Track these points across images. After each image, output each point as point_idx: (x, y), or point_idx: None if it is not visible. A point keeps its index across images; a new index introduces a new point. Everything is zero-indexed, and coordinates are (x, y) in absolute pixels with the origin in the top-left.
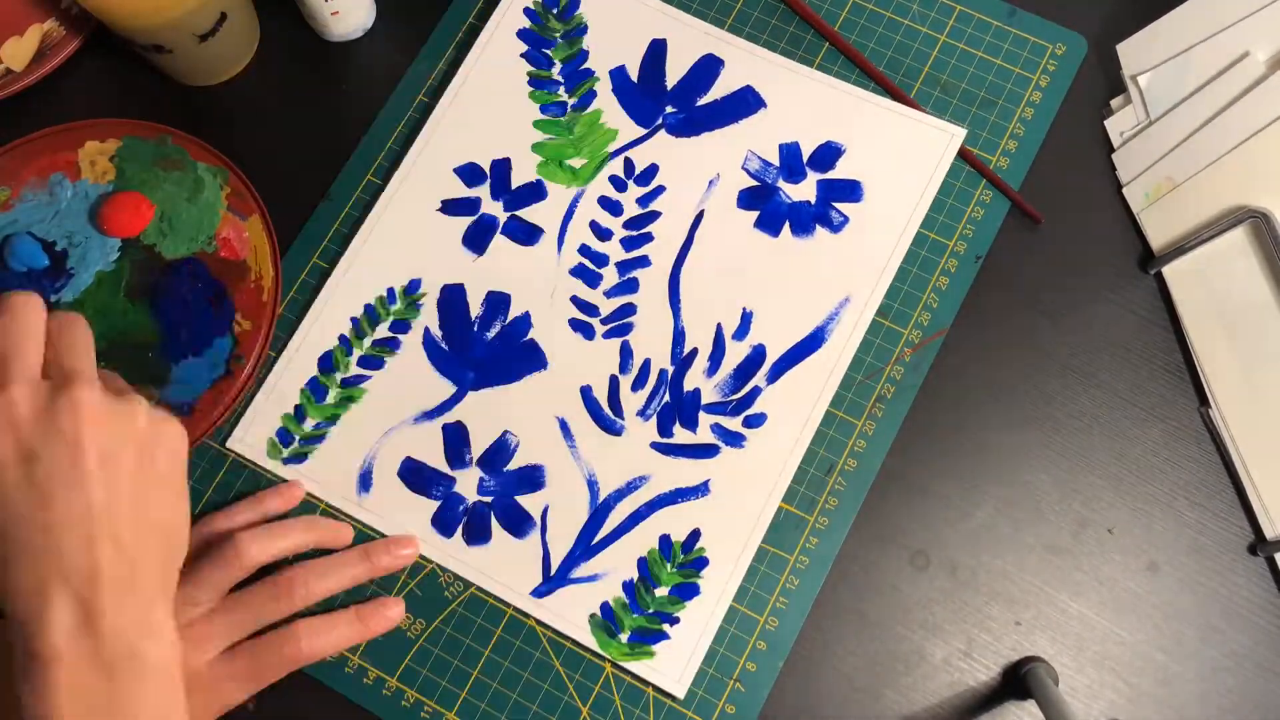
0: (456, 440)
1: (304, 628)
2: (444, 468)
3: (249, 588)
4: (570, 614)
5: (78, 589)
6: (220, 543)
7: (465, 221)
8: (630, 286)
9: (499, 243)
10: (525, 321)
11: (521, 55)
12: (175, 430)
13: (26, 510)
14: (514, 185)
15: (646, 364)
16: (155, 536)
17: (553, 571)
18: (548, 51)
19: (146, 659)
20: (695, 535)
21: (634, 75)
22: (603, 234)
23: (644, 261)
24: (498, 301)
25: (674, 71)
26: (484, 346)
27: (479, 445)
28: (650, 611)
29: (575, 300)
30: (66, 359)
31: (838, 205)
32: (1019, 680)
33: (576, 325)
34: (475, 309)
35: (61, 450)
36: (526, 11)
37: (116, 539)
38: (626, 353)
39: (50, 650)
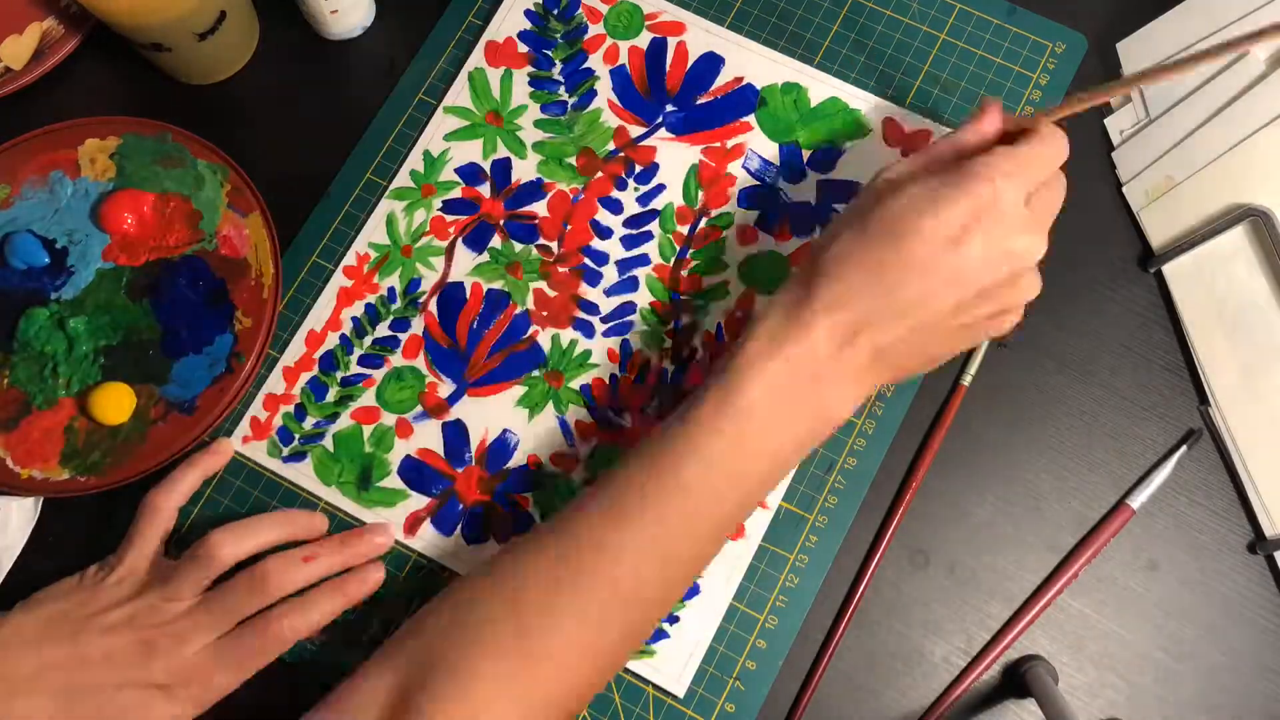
0: (456, 439)
1: (284, 608)
2: (444, 466)
3: (226, 583)
4: None
5: (863, 329)
6: (193, 542)
7: (466, 220)
8: (630, 285)
9: (499, 241)
10: (525, 320)
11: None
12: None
13: (912, 261)
14: (514, 184)
15: (647, 363)
16: (921, 360)
17: None
18: (548, 52)
19: (832, 402)
20: None
21: (634, 74)
22: (603, 232)
23: (644, 260)
24: (497, 300)
25: (674, 70)
26: (484, 345)
27: (479, 444)
28: None
29: (575, 299)
30: (1047, 210)
31: (838, 206)
32: (1019, 679)
33: (577, 324)
34: (475, 307)
35: (973, 268)
36: (527, 13)
37: (908, 341)
38: (627, 351)
39: (808, 326)
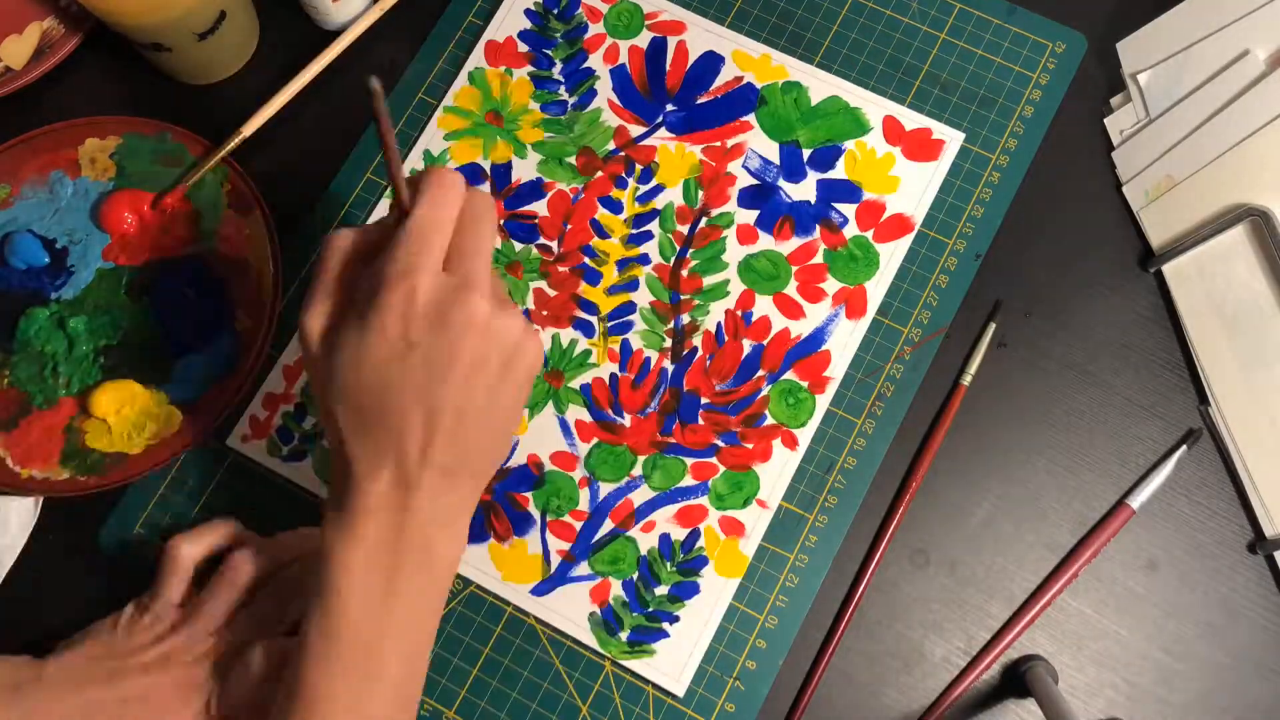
0: None
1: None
2: None
3: (253, 602)
4: (570, 612)
5: (407, 467)
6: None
7: None
8: (630, 284)
9: (498, 241)
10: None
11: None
12: (537, 348)
13: (391, 388)
14: (514, 183)
15: (647, 362)
16: (487, 445)
17: (553, 570)
18: (548, 51)
19: (436, 552)
20: (695, 535)
21: (634, 73)
22: (603, 232)
23: (644, 259)
24: None
25: (674, 69)
26: None
27: None
28: (650, 610)
29: (575, 298)
30: (470, 260)
31: (838, 205)
32: (1019, 678)
33: (577, 323)
34: None
35: (440, 348)
36: (527, 13)
37: (454, 439)
38: (626, 351)
39: (364, 505)
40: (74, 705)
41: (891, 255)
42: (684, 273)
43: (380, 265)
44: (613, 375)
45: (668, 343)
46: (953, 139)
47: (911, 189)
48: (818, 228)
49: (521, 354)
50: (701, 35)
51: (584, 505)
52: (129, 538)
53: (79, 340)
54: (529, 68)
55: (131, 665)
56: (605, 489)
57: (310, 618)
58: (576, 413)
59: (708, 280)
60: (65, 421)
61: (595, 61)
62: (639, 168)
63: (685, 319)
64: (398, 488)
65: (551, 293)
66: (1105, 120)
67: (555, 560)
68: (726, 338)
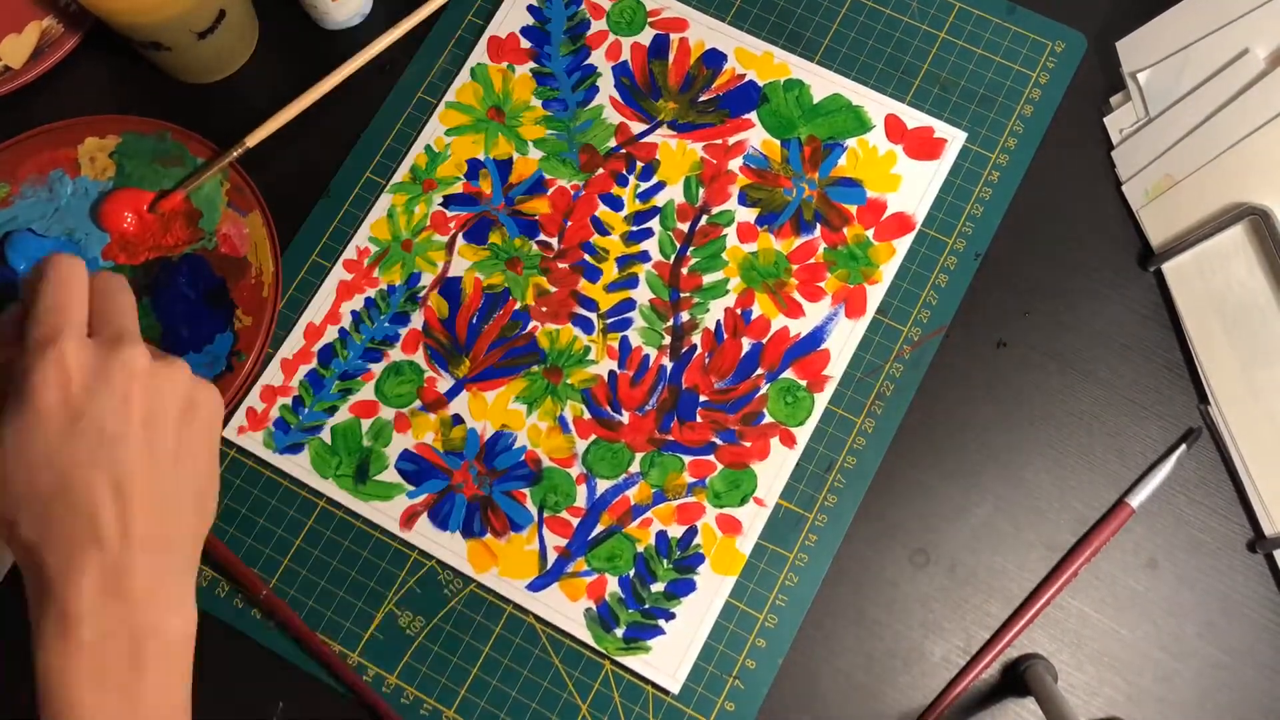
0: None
1: None
2: (441, 461)
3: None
4: (566, 608)
5: (111, 550)
6: None
7: (466, 215)
8: (630, 282)
9: (499, 237)
10: (525, 315)
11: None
12: (214, 395)
13: (67, 466)
14: (515, 180)
15: (645, 359)
16: (189, 502)
17: (549, 566)
18: (550, 48)
19: (169, 636)
20: (692, 532)
21: (636, 70)
22: (603, 229)
23: (644, 257)
24: (497, 295)
25: (676, 66)
26: (483, 340)
27: (477, 439)
28: (646, 607)
29: (575, 295)
30: (114, 318)
31: (839, 203)
32: (1018, 677)
33: (576, 320)
34: (474, 302)
35: (109, 407)
36: (530, 9)
37: (152, 504)
38: (625, 348)
39: (76, 609)
40: None
41: (892, 254)
42: (684, 270)
43: (23, 342)
44: (611, 372)
45: (667, 340)
46: (955, 138)
47: (913, 187)
48: (818, 226)
49: (197, 403)
50: (704, 32)
51: (581, 502)
52: None
53: None
54: (531, 64)
55: None
56: (603, 486)
57: None
58: (575, 409)
59: (707, 278)
60: None
61: (597, 58)
62: (640, 165)
63: (685, 317)
64: (108, 577)
65: (551, 289)
66: (1105, 119)
67: (552, 556)
68: (726, 336)
